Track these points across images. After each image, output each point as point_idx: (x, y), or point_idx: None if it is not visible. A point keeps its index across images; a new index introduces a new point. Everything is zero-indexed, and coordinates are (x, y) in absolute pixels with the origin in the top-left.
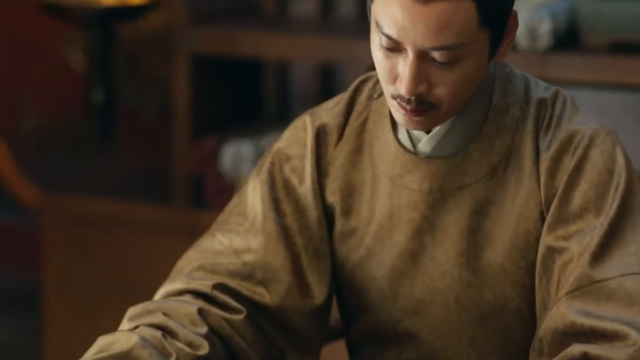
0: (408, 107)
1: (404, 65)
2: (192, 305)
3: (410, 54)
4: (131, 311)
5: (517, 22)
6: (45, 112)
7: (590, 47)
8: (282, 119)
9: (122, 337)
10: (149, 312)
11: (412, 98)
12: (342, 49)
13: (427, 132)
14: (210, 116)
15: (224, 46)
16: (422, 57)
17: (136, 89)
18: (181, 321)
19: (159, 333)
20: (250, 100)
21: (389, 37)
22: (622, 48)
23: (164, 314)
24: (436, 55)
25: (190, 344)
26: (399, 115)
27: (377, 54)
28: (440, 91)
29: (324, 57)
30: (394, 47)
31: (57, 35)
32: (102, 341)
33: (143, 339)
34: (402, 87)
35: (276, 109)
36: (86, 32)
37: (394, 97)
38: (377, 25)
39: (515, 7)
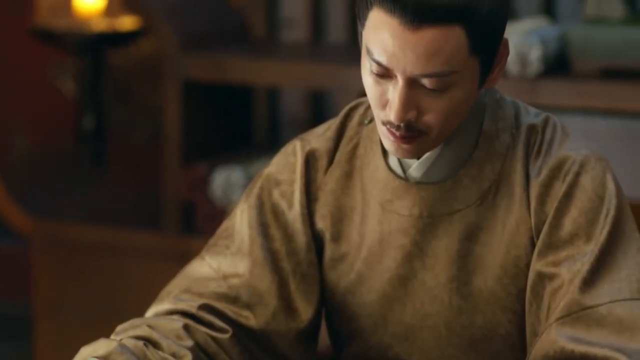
0: (397, 134)
1: (394, 92)
2: (178, 322)
3: (400, 81)
4: (118, 327)
5: (508, 50)
6: (36, 138)
7: (580, 73)
8: (273, 145)
9: (102, 345)
10: (135, 326)
11: (402, 124)
12: (333, 75)
13: (418, 158)
14: (201, 142)
15: (214, 72)
16: (412, 83)
17: (127, 115)
18: (166, 334)
19: (141, 343)
20: (241, 127)
21: (379, 64)
22: (612, 74)
23: (149, 326)
24: (426, 82)
25: (174, 354)
26: (388, 143)
27: (368, 80)
28: (430, 118)
29: (315, 83)
30: (384, 74)
31: (47, 61)
32: (83, 352)
33: (122, 345)
34: (392, 114)
35: (267, 135)
36: (77, 58)
37: (384, 123)
38: (368, 51)
39: (506, 33)
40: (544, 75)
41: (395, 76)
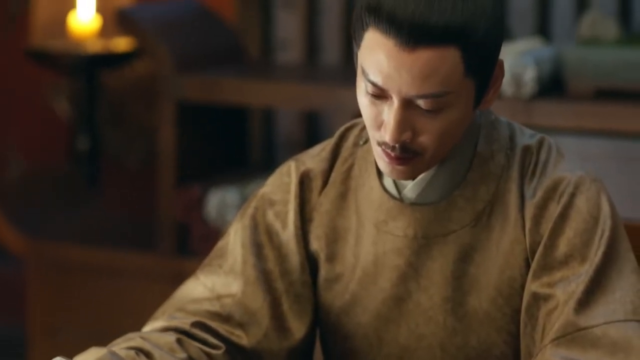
0: (392, 154)
1: (389, 113)
2: (171, 336)
3: (396, 102)
4: (113, 342)
5: (503, 71)
6: (30, 159)
7: (574, 94)
8: (268, 166)
9: (92, 353)
10: (128, 339)
11: (397, 145)
12: (327, 96)
13: (412, 179)
14: (196, 163)
15: (209, 93)
16: (407, 104)
17: (121, 136)
18: (159, 346)
19: (132, 352)
20: (236, 148)
21: (374, 84)
22: (607, 95)
23: (142, 338)
24: (421, 103)
25: None
26: (383, 164)
27: (363, 101)
28: (425, 139)
29: (309, 104)
30: (380, 94)
31: (42, 82)
32: None
33: (112, 353)
34: (387, 135)
35: (261, 156)
36: (71, 79)
37: (379, 144)
38: (363, 72)
39: (500, 54)
40: (539, 96)
41: (391, 97)
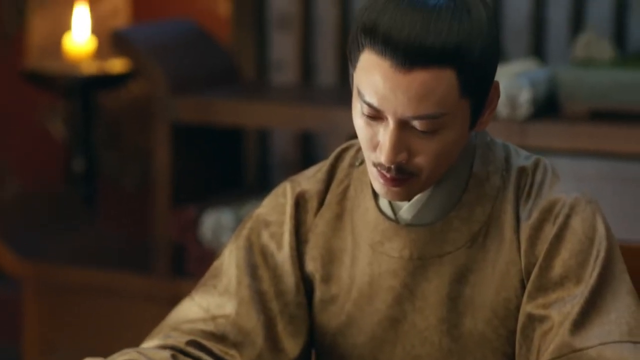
0: (388, 175)
1: (385, 134)
2: (166, 352)
3: (391, 123)
4: (109, 357)
5: (498, 93)
6: (26, 180)
7: (569, 115)
8: (263, 187)
9: None
10: (124, 353)
11: (392, 166)
12: (322, 117)
13: (408, 200)
14: (191, 185)
15: (204, 115)
16: (403, 125)
17: (117, 157)
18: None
19: None
20: (231, 169)
21: (370, 106)
22: (601, 116)
23: (138, 352)
24: (417, 124)
25: None
26: (379, 185)
27: (359, 122)
28: (420, 160)
29: (304, 125)
30: (375, 115)
31: (37, 104)
32: None
33: None
34: (382, 156)
35: (256, 177)
36: (67, 101)
37: (375, 165)
38: (359, 93)
39: (495, 76)
40: (534, 117)
41: (386, 118)
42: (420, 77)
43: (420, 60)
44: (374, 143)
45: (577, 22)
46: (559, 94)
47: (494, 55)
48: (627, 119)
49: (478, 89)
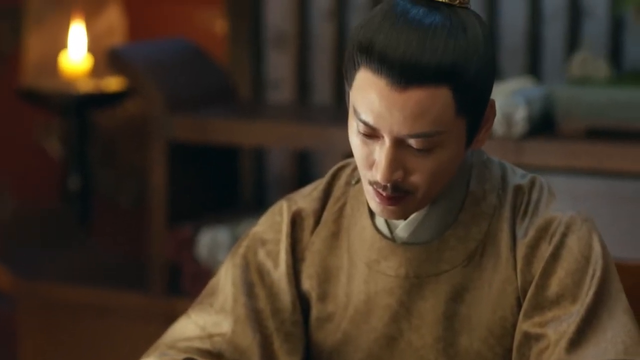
0: (384, 194)
1: (381, 152)
2: None
3: (387, 141)
4: None
5: (494, 111)
6: (21, 198)
7: (565, 133)
8: (259, 205)
9: None
10: None
11: (388, 185)
12: (318, 136)
13: (404, 219)
14: (187, 203)
15: (200, 133)
16: (399, 144)
17: (112, 175)
18: None
19: None
20: (227, 187)
21: (366, 124)
22: (598, 134)
23: None
24: (413, 142)
25: None
26: (375, 204)
27: (355, 140)
28: (416, 178)
29: (300, 144)
30: (371, 134)
31: (33, 122)
32: None
33: None
34: (378, 174)
35: (252, 195)
36: (63, 119)
37: (371, 183)
38: (355, 111)
39: (491, 95)
40: (529, 136)
41: (382, 136)
42: (416, 96)
43: (416, 78)
44: (370, 161)
45: (573, 41)
46: (555, 112)
47: (490, 73)
48: (623, 137)
49: (474, 108)
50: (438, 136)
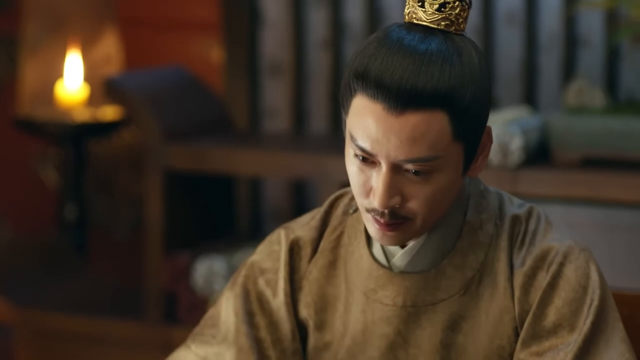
0: (382, 220)
1: (378, 178)
2: None
3: (384, 167)
4: None
5: (491, 138)
6: (18, 227)
7: (561, 163)
8: (255, 235)
9: None
10: None
11: (386, 211)
12: (314, 165)
13: (402, 247)
14: (183, 232)
15: (196, 162)
16: (396, 169)
17: (109, 205)
18: None
19: None
20: (223, 216)
21: (362, 150)
22: (593, 163)
23: None
24: (410, 167)
25: None
26: (374, 230)
27: (352, 168)
28: (414, 205)
29: (297, 173)
30: (368, 159)
31: (29, 151)
32: None
33: None
34: (376, 200)
35: (249, 225)
36: (59, 148)
37: (368, 211)
38: (352, 137)
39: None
40: (525, 165)
41: (379, 162)
42: (412, 120)
43: (413, 102)
44: (367, 188)
45: (569, 70)
46: (551, 142)
47: (486, 99)
48: (619, 167)
49: (471, 133)
50: (435, 161)
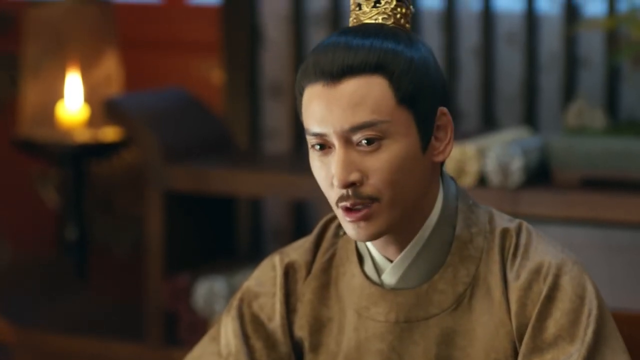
0: (349, 204)
1: (334, 159)
2: None
3: (336, 143)
4: None
5: (450, 120)
6: (18, 248)
7: (561, 184)
8: (255, 255)
9: None
10: None
11: (350, 191)
12: (315, 186)
13: (381, 234)
14: (183, 253)
15: (196, 183)
16: (347, 143)
17: (109, 225)
18: None
19: None
20: (223, 237)
21: (315, 135)
22: (593, 184)
23: None
24: (359, 137)
25: None
26: (349, 227)
27: (315, 165)
28: (375, 180)
29: (297, 194)
30: (324, 146)
31: (30, 171)
32: None
33: None
34: (335, 179)
35: (249, 245)
36: (59, 169)
37: (337, 203)
38: (307, 131)
39: (487, 144)
40: (526, 186)
41: (334, 145)
42: (350, 86)
43: (347, 70)
44: (330, 178)
45: (569, 91)
46: (551, 162)
47: (431, 72)
48: (619, 187)
49: (416, 100)
50: (381, 125)
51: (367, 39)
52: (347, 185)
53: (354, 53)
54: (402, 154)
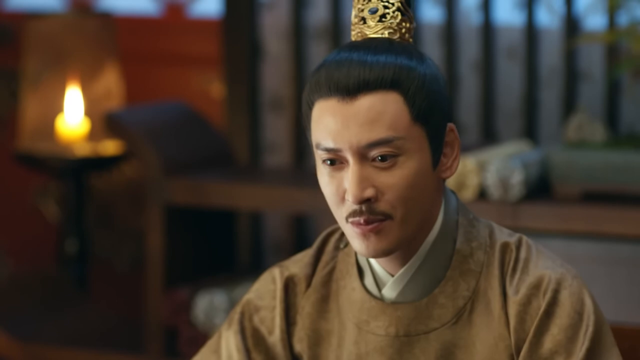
0: (362, 220)
1: (348, 175)
2: None
3: (351, 159)
4: None
5: (457, 136)
6: (19, 261)
7: (561, 197)
8: (256, 269)
9: None
10: None
11: (363, 207)
12: (315, 199)
13: (391, 252)
14: (184, 266)
15: (197, 197)
16: (363, 160)
17: (109, 239)
18: None
19: None
20: (224, 251)
21: (327, 150)
22: (594, 198)
23: None
24: (375, 153)
25: None
26: (358, 242)
27: (323, 179)
28: (389, 197)
29: (297, 207)
30: (336, 161)
31: (30, 185)
32: None
33: None
34: (350, 195)
35: (249, 259)
36: (59, 182)
37: (347, 218)
38: (317, 146)
39: (487, 158)
40: (526, 199)
41: (346, 160)
42: (366, 103)
43: (363, 86)
44: (341, 194)
45: (569, 104)
46: (551, 176)
47: (441, 90)
48: (620, 201)
49: (429, 116)
50: (397, 142)
51: (380, 55)
52: (362, 201)
53: (369, 69)
54: (416, 171)
